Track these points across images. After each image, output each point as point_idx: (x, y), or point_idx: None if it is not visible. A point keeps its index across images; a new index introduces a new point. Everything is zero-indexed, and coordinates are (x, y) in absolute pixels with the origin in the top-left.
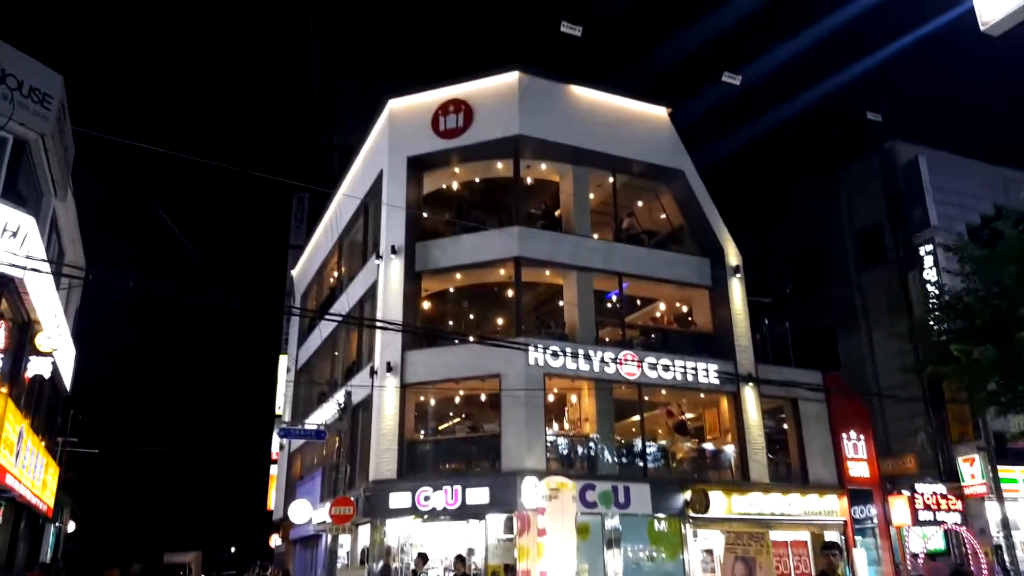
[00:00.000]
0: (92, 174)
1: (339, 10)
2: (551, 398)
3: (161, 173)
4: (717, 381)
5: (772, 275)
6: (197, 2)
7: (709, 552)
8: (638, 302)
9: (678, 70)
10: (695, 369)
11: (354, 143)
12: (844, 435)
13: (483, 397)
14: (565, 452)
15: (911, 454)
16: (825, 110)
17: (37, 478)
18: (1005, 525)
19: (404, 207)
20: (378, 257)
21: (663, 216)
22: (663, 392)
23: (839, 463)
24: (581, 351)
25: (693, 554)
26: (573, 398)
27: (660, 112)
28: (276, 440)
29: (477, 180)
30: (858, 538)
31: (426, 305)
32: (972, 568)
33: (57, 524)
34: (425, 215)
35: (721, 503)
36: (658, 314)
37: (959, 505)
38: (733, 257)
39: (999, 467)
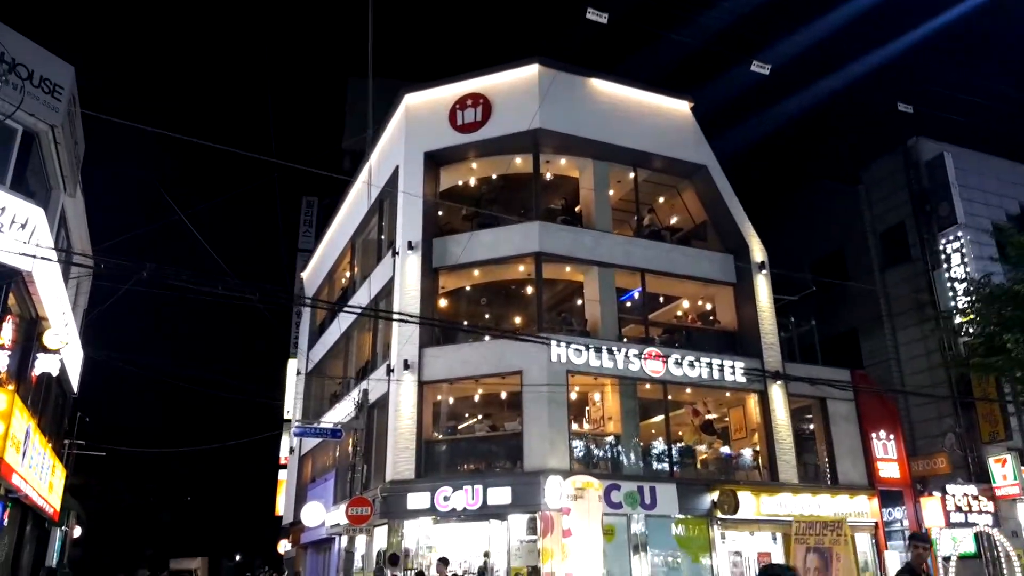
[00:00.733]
0: (101, 168)
1: (347, 8)
2: (574, 396)
3: (168, 174)
4: (744, 379)
5: (794, 275)
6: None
7: (738, 554)
8: (661, 299)
9: (700, 61)
10: (721, 366)
11: (364, 145)
12: (874, 435)
13: (503, 396)
14: (589, 452)
15: (942, 454)
16: (846, 108)
17: (44, 480)
18: None
19: (421, 198)
20: (394, 253)
21: (685, 212)
22: (688, 391)
23: (869, 463)
24: (605, 348)
25: (721, 556)
26: (596, 396)
27: (683, 106)
28: (285, 444)
29: (495, 176)
30: (888, 541)
31: (443, 303)
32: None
33: (63, 528)
34: (442, 211)
35: (750, 504)
36: (681, 312)
37: (991, 507)
38: (758, 253)
39: None
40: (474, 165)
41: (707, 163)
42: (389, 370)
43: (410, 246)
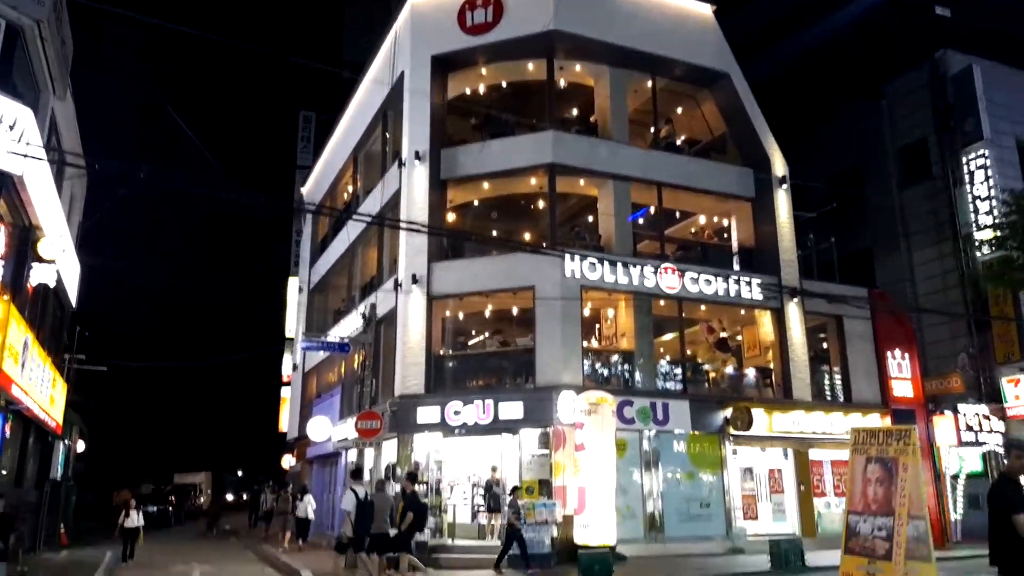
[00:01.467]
0: (92, 70)
1: None
2: (587, 312)
3: (164, 84)
4: (760, 296)
5: (818, 188)
6: None
7: (748, 470)
8: (677, 215)
9: None
10: (738, 282)
11: (365, 55)
12: (889, 354)
13: (515, 311)
14: (602, 368)
15: (955, 373)
16: (871, 20)
17: (44, 393)
18: None
19: (428, 104)
20: (400, 165)
21: (704, 124)
22: (703, 308)
23: (883, 382)
24: (620, 263)
25: (732, 472)
26: (610, 312)
27: (705, 8)
28: (287, 362)
29: (506, 83)
30: None
31: (452, 217)
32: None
33: (66, 442)
34: (450, 121)
35: (762, 421)
36: (696, 228)
37: (1001, 427)
38: (780, 167)
39: None
40: (484, 71)
41: (729, 71)
42: (397, 284)
43: (417, 156)
